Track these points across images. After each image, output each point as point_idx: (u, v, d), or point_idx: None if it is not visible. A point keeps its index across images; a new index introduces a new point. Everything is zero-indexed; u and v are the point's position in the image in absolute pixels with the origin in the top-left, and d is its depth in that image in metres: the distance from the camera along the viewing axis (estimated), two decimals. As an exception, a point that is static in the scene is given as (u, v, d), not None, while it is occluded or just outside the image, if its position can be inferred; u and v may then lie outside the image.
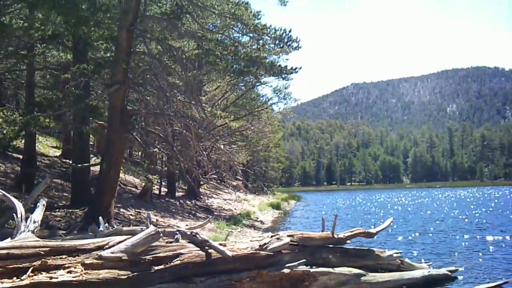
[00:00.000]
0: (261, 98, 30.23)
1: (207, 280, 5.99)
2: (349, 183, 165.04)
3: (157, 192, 23.64)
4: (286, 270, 6.74)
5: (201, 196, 27.69)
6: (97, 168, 14.46)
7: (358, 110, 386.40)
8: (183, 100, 14.81)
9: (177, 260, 5.88)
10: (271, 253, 6.73)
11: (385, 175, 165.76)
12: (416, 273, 9.40)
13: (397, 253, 9.83)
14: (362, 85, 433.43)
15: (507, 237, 16.45)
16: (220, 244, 6.54)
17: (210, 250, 6.17)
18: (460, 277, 10.15)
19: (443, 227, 20.87)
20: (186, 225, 14.84)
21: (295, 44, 14.63)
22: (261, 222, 23.72)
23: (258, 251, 6.58)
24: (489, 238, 16.29)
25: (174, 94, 14.45)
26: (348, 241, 9.09)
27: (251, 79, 23.44)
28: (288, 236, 7.43)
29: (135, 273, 5.52)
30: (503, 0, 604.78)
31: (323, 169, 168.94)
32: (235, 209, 26.93)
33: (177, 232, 6.52)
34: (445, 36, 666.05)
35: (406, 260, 10.14)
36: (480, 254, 13.02)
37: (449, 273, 10.20)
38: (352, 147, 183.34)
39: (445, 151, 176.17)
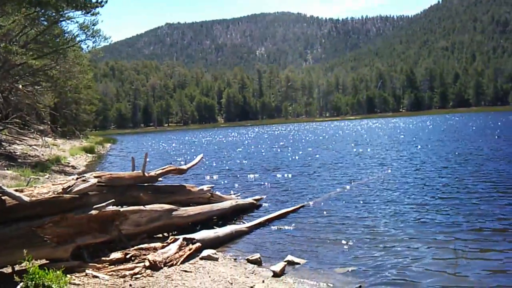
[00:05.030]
0: (67, 35, 27.66)
1: (1, 230, 5.49)
2: (166, 124, 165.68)
3: None
4: (94, 212, 6.51)
5: (1, 143, 24.95)
6: None
7: (174, 51, 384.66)
8: (-32, 33, 12.84)
9: (-38, 211, 5.25)
10: (77, 196, 6.40)
11: (201, 115, 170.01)
12: (225, 204, 10.00)
13: (208, 187, 10.25)
14: (177, 26, 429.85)
15: (304, 169, 18.50)
16: (17, 190, 6.01)
17: (4, 197, 5.62)
18: (264, 204, 11.15)
19: (251, 163, 22.48)
20: (-18, 175, 13.34)
21: (99, -25, 13.64)
22: (73, 167, 22.55)
23: (61, 195, 6.20)
24: (288, 171, 18.10)
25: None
26: (160, 179, 9.14)
27: (53, 13, 21.23)
28: (96, 177, 7.13)
29: None
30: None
31: (140, 111, 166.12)
32: (42, 155, 24.97)
33: (-38, 181, 5.79)
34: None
35: (217, 193, 10.69)
36: (281, 184, 14.44)
37: (255, 202, 11.12)
38: (169, 88, 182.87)
39: (255, 92, 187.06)
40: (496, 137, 28.60)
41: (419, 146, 25.15)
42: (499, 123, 47.67)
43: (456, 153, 20.34)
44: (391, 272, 6.04)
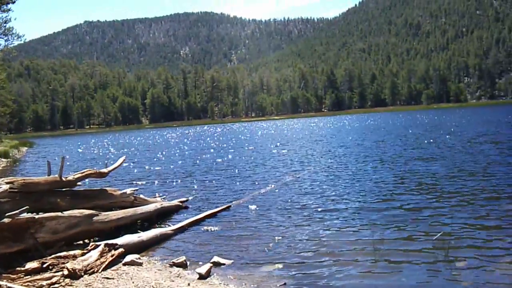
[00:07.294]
0: (-24, 33, 25.93)
1: None
2: (87, 126, 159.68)
3: None
4: (6, 220, 6.15)
5: None
6: None
7: (94, 50, 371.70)
8: None
9: None
10: (-13, 204, 6.05)
11: (125, 116, 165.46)
12: (149, 207, 9.78)
13: (132, 190, 9.99)
14: (96, 24, 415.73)
15: (230, 170, 18.59)
16: None
17: None
18: (190, 206, 11.03)
19: (177, 164, 22.25)
20: None
21: (10, -30, 12.92)
22: (-15, 173, 21.20)
23: (-31, 203, 5.83)
24: (214, 172, 18.14)
25: None
26: (79, 183, 8.79)
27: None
28: (7, 183, 6.74)
29: None
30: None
31: (59, 113, 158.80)
32: (-51, 161, 23.28)
33: None
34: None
35: (141, 196, 10.45)
36: (207, 185, 14.39)
37: (181, 204, 10.98)
38: (89, 88, 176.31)
39: (180, 92, 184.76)
40: (416, 136, 30.28)
41: (341, 145, 26.11)
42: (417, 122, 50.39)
43: (377, 152, 21.32)
44: (315, 270, 6.20)
